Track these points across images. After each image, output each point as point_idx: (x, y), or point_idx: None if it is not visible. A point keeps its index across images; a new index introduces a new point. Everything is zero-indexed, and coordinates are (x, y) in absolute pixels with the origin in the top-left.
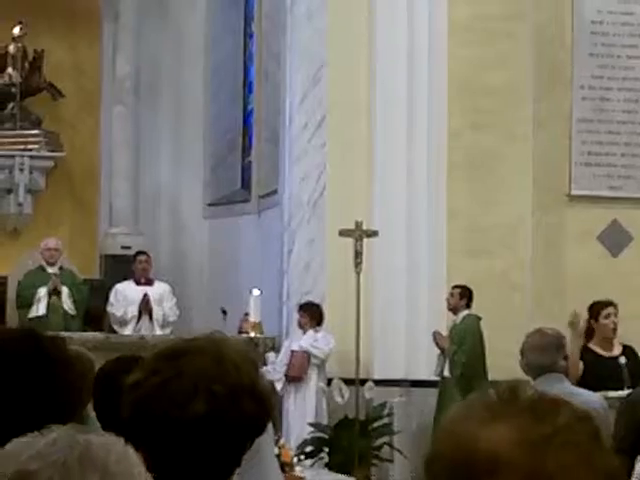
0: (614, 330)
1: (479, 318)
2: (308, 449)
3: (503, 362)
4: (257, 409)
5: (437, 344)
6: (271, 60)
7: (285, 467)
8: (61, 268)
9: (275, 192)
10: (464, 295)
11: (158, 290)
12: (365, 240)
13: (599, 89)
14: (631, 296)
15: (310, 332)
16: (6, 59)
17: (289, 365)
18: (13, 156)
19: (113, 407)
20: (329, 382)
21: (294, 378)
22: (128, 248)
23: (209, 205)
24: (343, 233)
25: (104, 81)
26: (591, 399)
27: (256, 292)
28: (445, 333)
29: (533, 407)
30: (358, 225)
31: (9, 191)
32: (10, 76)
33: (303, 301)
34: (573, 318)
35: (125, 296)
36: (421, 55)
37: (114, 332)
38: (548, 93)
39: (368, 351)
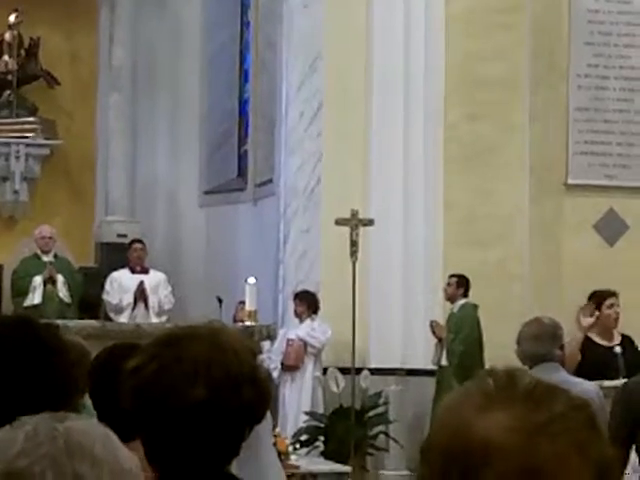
0: (616, 320)
1: (476, 306)
2: (303, 438)
3: (501, 353)
4: (257, 397)
5: (434, 333)
6: (267, 49)
7: (280, 456)
8: (56, 256)
9: (271, 181)
10: (461, 284)
11: (154, 278)
12: (361, 229)
13: (595, 78)
14: (627, 285)
15: (307, 321)
16: (2, 47)
17: (285, 354)
18: (9, 144)
19: (109, 395)
20: (325, 371)
21: (290, 367)
22: (124, 236)
23: (205, 193)
24: (339, 222)
25: (100, 69)
26: (587, 388)
27: (252, 280)
28: (442, 322)
29: (529, 394)
30: (354, 214)
31: (5, 179)
32: (6, 64)
33: (299, 289)
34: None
35: (120, 284)
36: (418, 45)
37: (110, 320)
38: (544, 83)
39: (364, 340)
